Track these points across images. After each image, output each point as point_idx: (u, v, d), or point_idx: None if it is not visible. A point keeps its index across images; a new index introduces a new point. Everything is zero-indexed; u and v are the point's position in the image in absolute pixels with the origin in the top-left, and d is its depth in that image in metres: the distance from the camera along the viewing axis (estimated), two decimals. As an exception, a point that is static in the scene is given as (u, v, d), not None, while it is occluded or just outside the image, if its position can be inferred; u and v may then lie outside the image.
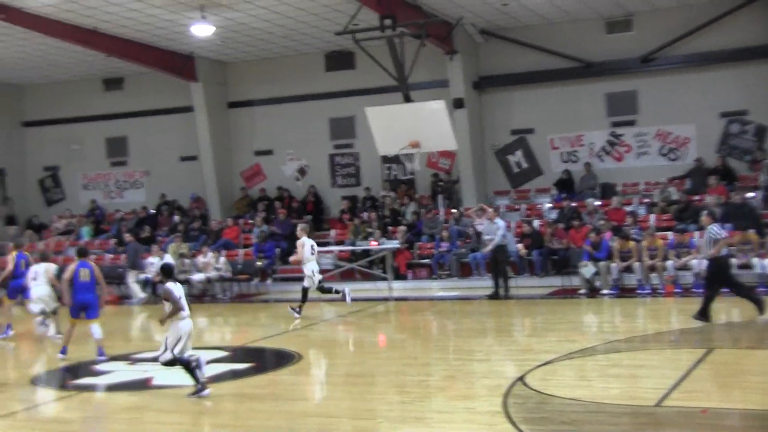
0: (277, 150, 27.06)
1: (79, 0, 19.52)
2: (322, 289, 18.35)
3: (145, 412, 10.59)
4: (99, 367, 13.67)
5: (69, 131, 29.30)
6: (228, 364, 13.43)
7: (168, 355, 11.04)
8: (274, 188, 26.82)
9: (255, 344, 15.53)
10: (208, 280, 22.76)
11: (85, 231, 27.41)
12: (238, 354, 14.45)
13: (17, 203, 29.34)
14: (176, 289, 11.13)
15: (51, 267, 16.81)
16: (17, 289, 17.52)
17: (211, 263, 22.77)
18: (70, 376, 13.54)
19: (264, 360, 14.18)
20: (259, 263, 23.48)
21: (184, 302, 11.09)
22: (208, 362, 13.34)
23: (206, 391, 10.95)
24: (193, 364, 11.06)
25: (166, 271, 11.51)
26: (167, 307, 11.12)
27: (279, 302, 21.22)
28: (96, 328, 14.59)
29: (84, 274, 14.48)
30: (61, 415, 10.74)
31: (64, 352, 14.61)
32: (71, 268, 14.73)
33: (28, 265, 17.24)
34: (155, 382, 12.28)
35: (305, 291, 18.27)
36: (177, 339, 11.07)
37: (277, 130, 26.91)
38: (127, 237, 24.36)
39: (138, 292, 22.90)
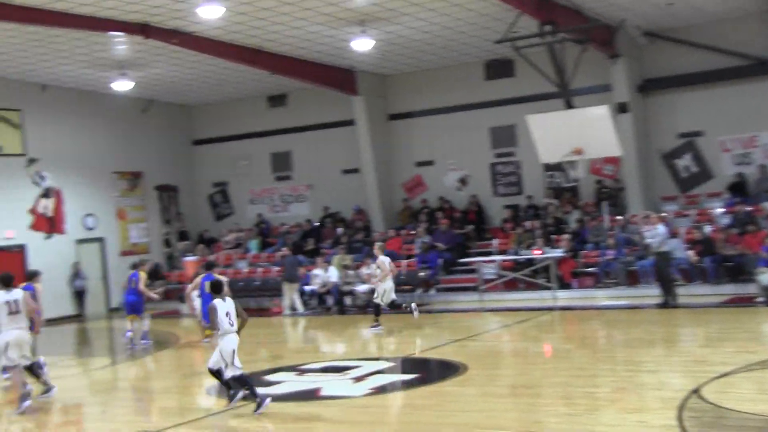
0: (438, 160, 27.11)
1: (245, 21, 20.17)
2: (392, 305, 18.82)
3: (314, 423, 10.76)
4: (270, 377, 14.00)
5: (236, 148, 30.31)
6: (393, 375, 13.49)
7: (235, 371, 11.28)
8: (435, 199, 26.88)
9: (420, 355, 15.55)
10: (372, 292, 22.98)
11: (253, 244, 28.25)
12: (403, 365, 14.50)
13: (189, 218, 30.58)
14: (222, 306, 11.32)
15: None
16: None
17: (374, 274, 22.99)
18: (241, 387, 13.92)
19: (429, 371, 14.17)
20: (421, 273, 23.55)
21: (231, 318, 11.29)
22: (373, 373, 13.46)
23: (267, 400, 11.15)
24: (241, 391, 11.46)
25: (215, 288, 11.74)
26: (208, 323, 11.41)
27: (442, 312, 21.20)
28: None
29: (207, 287, 15.12)
30: (236, 424, 11.03)
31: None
32: (197, 280, 15.34)
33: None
34: (324, 392, 12.47)
35: (378, 307, 18.87)
36: (231, 353, 11.27)
37: (438, 140, 26.96)
38: (284, 250, 24.95)
39: (297, 304, 23.37)
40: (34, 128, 25.82)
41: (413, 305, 18.84)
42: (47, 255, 25.75)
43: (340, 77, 25.75)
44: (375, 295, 19.15)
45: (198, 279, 15.84)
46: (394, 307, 19.03)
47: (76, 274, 26.45)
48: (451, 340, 16.71)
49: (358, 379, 13.10)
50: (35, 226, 25.89)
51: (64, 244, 26.50)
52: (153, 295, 18.70)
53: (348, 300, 23.24)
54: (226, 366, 11.34)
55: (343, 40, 21.89)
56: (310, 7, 19.34)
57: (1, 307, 12.17)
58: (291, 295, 23.39)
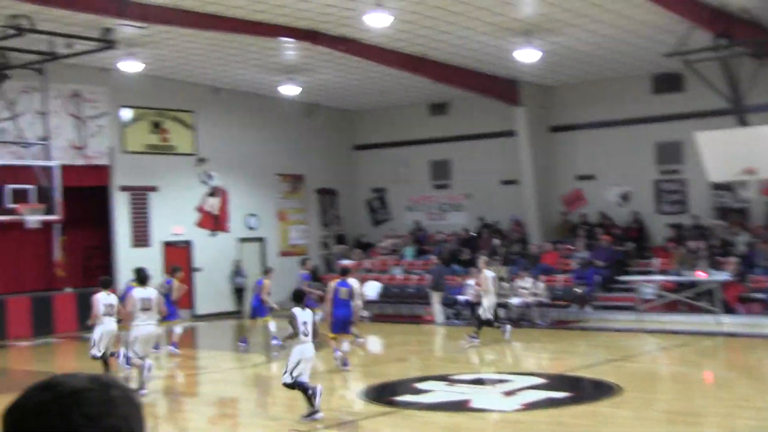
0: (600, 175, 26.51)
1: (411, 29, 20.32)
2: (488, 322, 18.73)
3: (463, 434, 10.68)
4: (420, 385, 14.01)
5: (396, 154, 30.57)
6: (545, 392, 13.24)
7: (287, 378, 11.36)
8: (595, 213, 26.29)
9: (573, 372, 15.22)
10: (526, 305, 22.71)
11: (409, 251, 28.42)
12: (555, 381, 14.23)
13: (347, 223, 31.05)
14: (301, 315, 11.48)
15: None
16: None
17: (529, 288, 22.71)
18: (392, 393, 14.00)
19: (582, 389, 13.85)
20: (578, 290, 23.08)
21: (307, 328, 11.42)
22: (524, 388, 13.25)
23: (319, 415, 11.11)
24: (310, 391, 11.22)
25: (297, 297, 12.07)
26: (291, 330, 11.46)
27: (599, 331, 20.70)
28: (345, 344, 15.94)
29: (343, 292, 15.61)
30: (384, 429, 11.08)
31: (345, 364, 15.70)
32: (332, 285, 15.93)
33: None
34: (474, 404, 12.37)
35: (480, 319, 18.76)
36: (297, 362, 11.31)
37: (600, 154, 26.36)
38: (433, 259, 24.91)
39: (438, 313, 23.32)
40: (205, 129, 26.83)
41: (508, 326, 18.83)
42: (211, 252, 26.69)
43: (502, 87, 25.58)
44: (480, 309, 18.97)
45: (333, 284, 16.07)
46: (489, 324, 18.83)
47: (237, 271, 27.29)
48: (606, 360, 16.29)
49: (509, 393, 12.94)
50: (201, 224, 26.87)
51: (227, 242, 27.38)
52: (273, 304, 19.33)
53: (501, 312, 23.00)
54: (285, 371, 11.52)
55: (507, 50, 21.73)
56: (476, 16, 19.29)
57: (136, 303, 12.78)
58: (439, 304, 23.43)
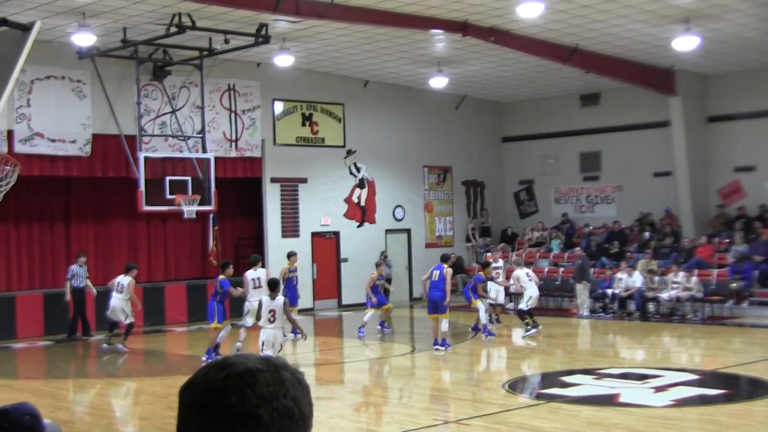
0: (761, 166, 25.36)
1: (563, 19, 19.97)
2: (520, 313, 19.31)
3: (610, 429, 10.45)
4: (566, 378, 13.79)
5: (545, 146, 30.15)
6: (696, 388, 12.80)
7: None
8: (754, 207, 25.20)
9: (728, 370, 14.64)
10: (678, 300, 22.01)
11: (555, 243, 28.01)
12: (708, 378, 13.73)
13: (493, 215, 30.85)
14: (268, 304, 13.25)
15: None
16: None
17: (682, 282, 22.00)
18: (538, 385, 13.84)
19: (737, 387, 13.31)
20: (734, 285, 22.18)
21: (273, 315, 13.14)
22: (676, 384, 12.85)
23: None
24: None
25: (270, 286, 13.77)
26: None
27: (756, 327, 19.85)
28: (444, 323, 16.86)
29: (435, 275, 17.15)
30: (530, 422, 10.96)
31: (436, 344, 17.02)
32: (429, 270, 17.55)
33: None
34: (622, 399, 12.08)
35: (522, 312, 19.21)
36: (261, 345, 13.24)
37: (761, 145, 25.22)
38: (578, 251, 24.40)
39: (584, 307, 22.90)
40: (353, 121, 27.19)
41: (533, 330, 18.88)
42: (358, 243, 27.04)
43: (657, 77, 24.82)
44: (522, 302, 19.45)
45: (431, 269, 17.57)
46: (521, 315, 19.29)
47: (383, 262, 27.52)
48: (763, 357, 15.60)
49: (659, 389, 12.57)
50: (349, 215, 27.26)
51: (374, 233, 27.68)
52: (373, 296, 19.97)
53: (651, 306, 22.40)
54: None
55: (664, 38, 21.05)
56: (632, 4, 18.77)
57: (265, 311, 13.44)
58: (584, 296, 23.03)
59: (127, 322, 18.24)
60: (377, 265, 20.60)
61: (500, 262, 22.17)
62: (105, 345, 18.47)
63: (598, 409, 11.52)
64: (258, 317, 13.74)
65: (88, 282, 20.41)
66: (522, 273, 19.67)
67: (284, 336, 19.00)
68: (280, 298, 13.36)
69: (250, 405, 1.74)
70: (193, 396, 1.79)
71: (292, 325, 13.87)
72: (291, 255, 20.11)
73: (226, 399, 1.74)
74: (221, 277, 16.59)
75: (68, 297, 20.06)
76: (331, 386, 14.63)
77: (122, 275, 18.45)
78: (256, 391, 1.75)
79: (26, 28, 5.14)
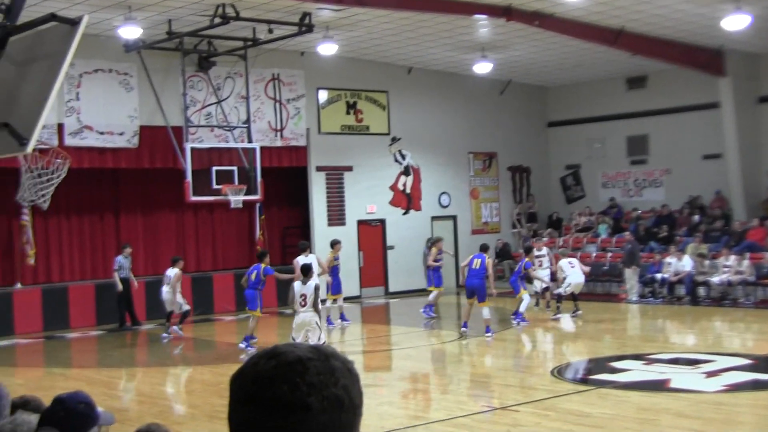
0: (813, 147, 24.89)
1: (609, 1, 19.73)
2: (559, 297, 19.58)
3: (661, 414, 10.35)
4: (616, 364, 13.69)
5: (591, 130, 29.85)
6: (749, 373, 12.64)
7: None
8: (807, 189, 24.76)
9: (781, 356, 14.42)
10: (729, 284, 21.71)
11: (602, 228, 27.76)
12: (762, 363, 13.54)
13: (539, 200, 30.64)
14: (300, 288, 13.44)
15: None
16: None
17: (733, 266, 21.69)
18: (587, 371, 13.75)
19: (792, 373, 13.10)
20: (786, 269, 21.81)
21: (305, 300, 13.33)
22: (728, 369, 12.69)
23: None
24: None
25: (303, 271, 13.94)
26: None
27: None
28: (485, 311, 16.95)
29: (476, 263, 17.24)
30: (579, 408, 10.90)
31: (465, 326, 17.33)
32: (469, 258, 17.73)
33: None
34: (673, 384, 11.96)
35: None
36: (294, 328, 13.61)
37: (813, 125, 24.75)
38: (627, 235, 24.14)
39: (633, 292, 22.71)
40: (397, 109, 27.14)
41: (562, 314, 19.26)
42: (404, 230, 27.03)
43: (705, 58, 24.44)
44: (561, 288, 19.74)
45: (470, 256, 17.84)
46: (559, 299, 19.61)
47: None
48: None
49: (711, 374, 12.43)
50: (394, 202, 27.26)
51: (420, 220, 27.64)
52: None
53: (702, 290, 22.13)
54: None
55: (713, 18, 20.69)
56: (678, -17, 18.52)
57: (297, 295, 13.68)
58: (633, 281, 22.83)
59: (183, 310, 18.63)
60: (435, 242, 20.68)
61: (544, 250, 21.89)
62: (164, 334, 18.73)
63: (649, 395, 11.42)
64: (292, 302, 13.88)
65: (130, 273, 20.68)
66: (564, 262, 20.02)
67: (331, 323, 19.24)
68: (312, 283, 13.49)
69: (301, 394, 1.74)
70: (243, 386, 1.79)
71: (329, 314, 14.11)
72: (335, 243, 20.20)
73: (276, 388, 1.75)
74: (264, 265, 16.71)
75: (119, 287, 20.35)
76: (379, 373, 14.68)
77: (170, 268, 18.79)
78: (306, 379, 1.75)
79: (74, 23, 5.20)
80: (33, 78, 5.46)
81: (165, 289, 18.70)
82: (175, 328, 18.58)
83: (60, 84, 5.37)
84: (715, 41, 23.47)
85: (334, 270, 19.75)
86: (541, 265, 21.11)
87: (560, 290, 19.81)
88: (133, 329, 20.58)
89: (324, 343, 13.37)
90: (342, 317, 19.84)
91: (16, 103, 5.46)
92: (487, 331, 16.95)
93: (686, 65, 24.67)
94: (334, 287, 19.91)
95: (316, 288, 13.58)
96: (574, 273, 19.53)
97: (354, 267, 24.83)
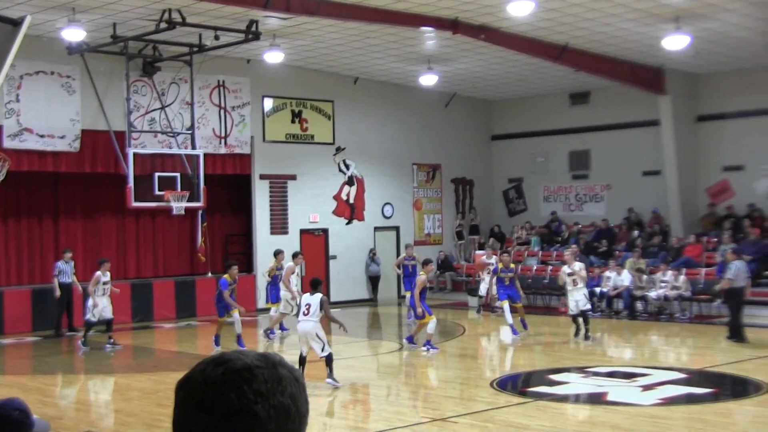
0: (749, 166, 25.44)
1: (554, 17, 19.99)
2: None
3: (599, 428, 10.48)
4: (554, 377, 13.82)
5: (534, 144, 30.20)
6: (684, 387, 12.84)
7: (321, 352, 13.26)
8: (743, 206, 25.29)
9: (715, 369, 14.71)
10: (666, 298, 22.08)
11: (535, 241, 28.11)
12: (696, 377, 13.78)
13: (481, 213, 30.87)
14: (306, 298, 13.49)
15: None
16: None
17: (670, 281, 22.07)
18: (526, 383, 13.86)
19: (726, 387, 13.36)
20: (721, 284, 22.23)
21: (309, 309, 13.25)
22: (664, 382, 12.89)
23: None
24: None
25: (312, 284, 13.89)
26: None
27: (744, 327, 19.90)
28: (429, 325, 16.65)
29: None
30: (517, 420, 10.98)
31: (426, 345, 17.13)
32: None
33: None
34: (610, 398, 12.11)
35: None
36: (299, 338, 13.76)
37: (751, 144, 25.30)
38: (573, 249, 24.37)
39: (573, 305, 22.99)
40: (343, 119, 27.16)
41: (584, 336, 17.99)
42: (347, 240, 27.03)
43: (647, 76, 24.89)
44: (584, 303, 18.22)
45: None
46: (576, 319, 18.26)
47: (372, 260, 27.56)
48: (752, 357, 15.66)
49: (647, 387, 12.62)
50: (338, 212, 27.25)
51: (363, 230, 27.68)
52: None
53: (639, 305, 22.48)
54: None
55: (654, 37, 21.10)
56: (622, 3, 18.80)
57: (302, 304, 13.66)
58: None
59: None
60: (427, 263, 17.86)
61: (493, 259, 22.73)
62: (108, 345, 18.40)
63: (586, 408, 11.56)
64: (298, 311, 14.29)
65: (75, 279, 20.37)
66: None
67: (273, 333, 19.09)
68: (318, 295, 13.47)
69: (248, 401, 1.74)
70: (190, 392, 1.78)
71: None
72: (278, 253, 20.09)
73: (224, 395, 1.74)
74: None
75: (57, 293, 20.00)
76: (319, 383, 14.62)
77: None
78: (253, 387, 1.75)
79: (17, 23, 5.13)
80: (-28, 78, 5.37)
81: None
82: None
83: (1, 85, 5.29)
84: (656, 60, 23.92)
85: (274, 279, 19.66)
86: (487, 274, 22.61)
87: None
88: (71, 335, 20.22)
89: (329, 354, 13.29)
90: (281, 326, 19.71)
91: (-46, 104, 5.36)
92: (427, 345, 16.84)
93: (628, 83, 25.10)
94: (273, 297, 19.76)
95: (323, 301, 13.44)
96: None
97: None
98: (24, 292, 21.42)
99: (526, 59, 23.59)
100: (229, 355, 1.81)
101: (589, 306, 18.32)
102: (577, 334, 18.09)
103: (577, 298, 18.04)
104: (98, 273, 18.38)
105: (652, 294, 22.15)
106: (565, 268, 18.38)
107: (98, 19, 19.31)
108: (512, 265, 19.86)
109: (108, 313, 18.22)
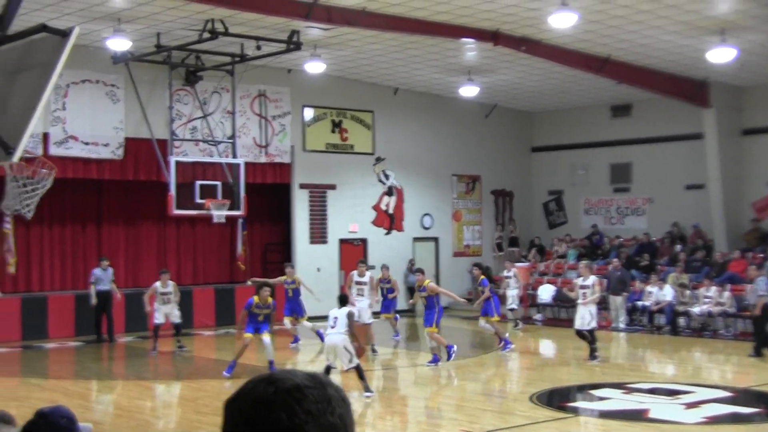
0: (797, 181, 25.06)
1: (596, 29, 19.86)
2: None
3: (640, 444, 10.34)
4: (595, 392, 13.67)
5: (575, 156, 30.00)
6: (729, 406, 12.64)
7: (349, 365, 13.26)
8: (788, 222, 24.91)
9: (762, 387, 14.45)
10: (709, 314, 21.78)
11: (571, 254, 27.87)
12: (742, 396, 13.55)
13: (521, 225, 30.71)
14: (333, 312, 13.49)
15: None
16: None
17: (714, 297, 21.77)
18: (565, 398, 13.73)
19: (771, 406, 13.12)
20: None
21: (336, 323, 13.31)
22: (708, 401, 12.69)
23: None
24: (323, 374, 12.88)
25: (339, 299, 14.05)
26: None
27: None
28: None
29: None
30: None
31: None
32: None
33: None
34: (652, 415, 11.95)
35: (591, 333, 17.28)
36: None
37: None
38: (615, 263, 24.17)
39: (619, 319, 22.80)
40: (382, 129, 27.18)
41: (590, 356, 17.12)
42: (385, 250, 26.97)
43: (690, 88, 24.62)
44: (589, 320, 17.17)
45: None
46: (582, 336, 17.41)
47: (411, 270, 27.47)
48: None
49: (691, 405, 12.43)
50: (377, 222, 27.25)
51: (402, 240, 27.64)
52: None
53: (682, 320, 22.19)
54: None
55: (698, 50, 20.88)
56: (666, 15, 18.64)
57: (330, 317, 13.64)
58: (621, 309, 22.88)
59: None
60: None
61: (512, 271, 23.18)
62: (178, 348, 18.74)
63: (627, 424, 11.40)
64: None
65: (113, 285, 20.55)
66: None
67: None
68: (345, 309, 13.62)
69: (299, 421, 1.74)
70: (241, 410, 1.79)
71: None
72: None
73: (275, 414, 1.75)
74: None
75: (93, 301, 20.18)
76: (355, 393, 14.59)
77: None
78: (304, 407, 1.76)
79: (65, 34, 5.16)
80: (22, 88, 5.42)
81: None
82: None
83: (49, 94, 5.33)
84: (700, 72, 23.66)
85: (285, 293, 19.30)
86: (508, 287, 22.73)
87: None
88: (112, 341, 20.37)
89: (356, 365, 13.30)
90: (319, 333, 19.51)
91: (3, 113, 5.41)
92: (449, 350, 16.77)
93: (671, 95, 24.85)
94: (288, 310, 19.40)
95: (350, 314, 13.53)
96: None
97: (335, 286, 24.72)
98: (67, 297, 21.65)
99: (567, 71, 23.46)
100: (279, 374, 1.82)
101: (594, 324, 17.29)
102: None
103: (583, 314, 17.14)
104: (156, 284, 18.64)
105: (695, 309, 21.84)
106: (579, 281, 17.73)
107: (143, 29, 19.52)
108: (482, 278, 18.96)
109: (176, 317, 18.49)
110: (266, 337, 15.48)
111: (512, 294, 22.97)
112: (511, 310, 22.81)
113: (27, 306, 20.89)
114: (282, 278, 19.57)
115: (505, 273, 23.49)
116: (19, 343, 20.01)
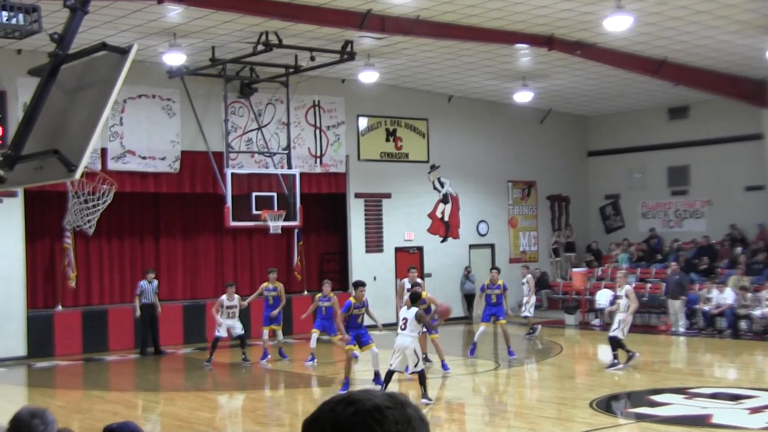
0: None
1: (652, 32, 19.65)
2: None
3: (704, 451, 10.18)
4: (656, 398, 13.49)
5: (631, 160, 29.67)
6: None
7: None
8: None
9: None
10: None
11: (623, 257, 27.53)
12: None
13: (577, 230, 30.44)
14: (403, 312, 13.71)
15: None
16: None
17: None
18: (626, 404, 13.57)
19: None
20: (831, 304, 21.42)
21: (405, 324, 13.40)
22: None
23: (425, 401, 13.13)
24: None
25: (411, 297, 14.23)
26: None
27: None
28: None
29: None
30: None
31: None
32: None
33: None
34: (715, 420, 11.76)
35: (618, 341, 16.63)
36: (393, 351, 13.54)
37: None
38: (674, 266, 23.82)
39: (678, 323, 22.45)
40: (437, 137, 27.16)
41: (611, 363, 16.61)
42: (441, 258, 26.95)
43: (749, 88, 24.23)
44: (614, 327, 16.67)
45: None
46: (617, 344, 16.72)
47: (467, 277, 27.41)
48: None
49: (755, 410, 12.21)
50: (432, 230, 27.22)
51: (458, 248, 27.57)
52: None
53: (743, 324, 21.80)
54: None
55: (757, 49, 20.53)
56: (724, 14, 18.37)
57: (400, 318, 13.76)
58: (680, 313, 22.56)
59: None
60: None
61: (527, 277, 22.91)
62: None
63: (691, 431, 11.23)
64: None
65: (156, 299, 20.75)
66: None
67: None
68: (414, 310, 13.59)
69: None
70: (321, 431, 1.77)
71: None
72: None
73: None
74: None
75: (138, 313, 20.44)
76: (417, 402, 14.62)
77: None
78: (384, 428, 1.73)
79: (124, 52, 5.26)
80: (82, 105, 5.53)
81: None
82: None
83: (109, 111, 5.43)
84: (758, 72, 23.28)
85: (328, 312, 18.52)
86: (523, 294, 22.81)
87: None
88: (160, 354, 20.55)
89: (421, 371, 13.29)
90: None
91: (65, 130, 5.52)
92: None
93: (729, 96, 24.49)
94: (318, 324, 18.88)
95: (419, 315, 13.51)
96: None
97: (391, 294, 24.75)
98: (127, 310, 21.94)
99: (622, 74, 23.25)
100: (358, 394, 1.80)
101: (616, 334, 16.57)
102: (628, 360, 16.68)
103: (615, 322, 16.77)
104: (223, 297, 18.79)
105: (757, 312, 21.46)
106: (618, 290, 17.41)
107: (198, 43, 19.78)
108: (500, 282, 18.98)
109: (238, 330, 18.66)
110: (374, 348, 15.02)
111: (526, 301, 22.65)
112: (525, 317, 22.55)
113: (87, 319, 21.25)
114: (263, 285, 19.67)
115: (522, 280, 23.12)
116: (81, 356, 20.35)
